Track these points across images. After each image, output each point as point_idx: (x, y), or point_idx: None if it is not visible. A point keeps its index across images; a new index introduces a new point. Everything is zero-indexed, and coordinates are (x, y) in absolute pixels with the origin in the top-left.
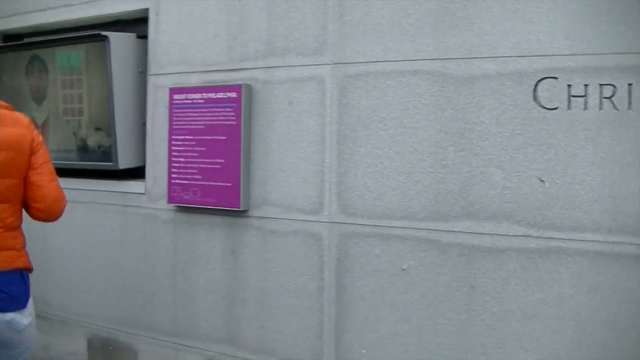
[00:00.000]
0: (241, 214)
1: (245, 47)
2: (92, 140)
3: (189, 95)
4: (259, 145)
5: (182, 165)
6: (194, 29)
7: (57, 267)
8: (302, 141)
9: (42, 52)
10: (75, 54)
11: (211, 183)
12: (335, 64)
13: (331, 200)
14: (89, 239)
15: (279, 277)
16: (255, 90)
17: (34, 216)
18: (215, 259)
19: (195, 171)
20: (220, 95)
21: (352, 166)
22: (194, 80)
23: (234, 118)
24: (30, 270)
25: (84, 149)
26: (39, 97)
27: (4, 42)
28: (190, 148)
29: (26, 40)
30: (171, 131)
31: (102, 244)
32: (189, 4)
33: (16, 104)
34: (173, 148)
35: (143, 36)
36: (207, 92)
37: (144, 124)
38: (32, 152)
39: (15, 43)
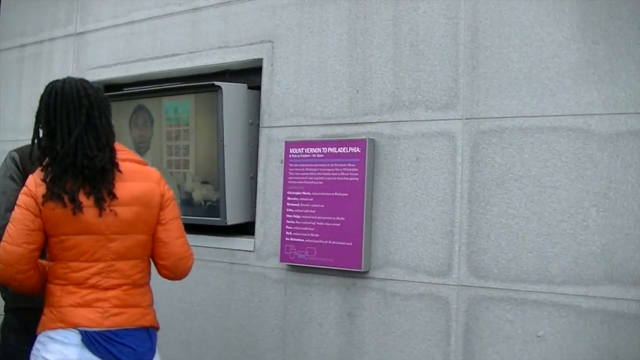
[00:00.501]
0: (360, 274)
1: (368, 99)
2: (198, 194)
3: (307, 149)
4: (383, 203)
5: (297, 222)
6: (312, 80)
7: None
8: (431, 199)
9: (148, 102)
10: (183, 104)
11: (330, 242)
12: (467, 119)
13: (460, 262)
14: (190, 296)
15: (400, 343)
16: (379, 145)
17: (160, 273)
18: (330, 322)
19: (312, 229)
20: (342, 149)
21: (485, 226)
22: (311, 134)
23: (356, 174)
24: (157, 328)
25: (188, 203)
26: (143, 149)
27: (105, 92)
28: (307, 205)
29: (135, 89)
30: (286, 186)
31: (205, 302)
32: (307, 54)
33: None
34: (288, 204)
35: (253, 87)
36: (327, 146)
37: (252, 177)
38: (162, 208)
39: (124, 92)
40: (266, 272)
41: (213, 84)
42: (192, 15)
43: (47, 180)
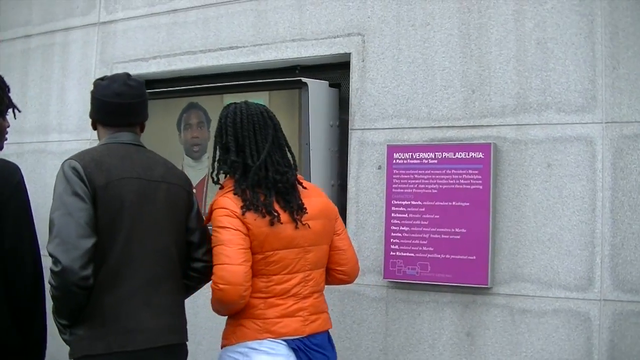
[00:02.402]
0: (482, 290)
1: (487, 101)
2: None
3: (416, 154)
4: (508, 213)
5: (405, 235)
6: (416, 78)
7: None
8: (566, 208)
9: (204, 100)
10: (257, 101)
11: (448, 256)
12: (607, 122)
13: (603, 276)
14: None
15: None
16: (501, 150)
17: (334, 279)
18: (444, 343)
19: (424, 242)
20: (461, 155)
21: (631, 237)
22: (416, 137)
23: (479, 181)
24: None
25: None
26: (197, 152)
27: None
28: (417, 215)
29: (191, 85)
30: (390, 195)
31: None
32: (408, 50)
33: None
34: (393, 215)
35: (333, 84)
36: (442, 150)
37: (333, 185)
38: (335, 219)
39: (182, 88)
40: (362, 289)
41: (300, 80)
42: (255, 4)
43: (240, 193)
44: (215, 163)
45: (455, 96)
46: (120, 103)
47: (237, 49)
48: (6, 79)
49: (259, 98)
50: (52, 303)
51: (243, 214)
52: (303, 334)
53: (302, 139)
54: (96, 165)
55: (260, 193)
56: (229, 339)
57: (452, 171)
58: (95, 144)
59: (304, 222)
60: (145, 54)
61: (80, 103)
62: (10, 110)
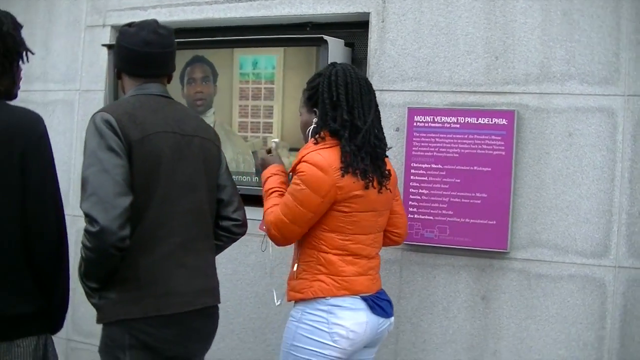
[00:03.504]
0: (498, 255)
1: (510, 68)
2: (285, 162)
3: (438, 117)
4: (528, 180)
5: (424, 198)
6: (438, 42)
7: None
8: (585, 177)
9: (211, 54)
10: (267, 59)
11: (467, 220)
12: (630, 95)
13: (619, 243)
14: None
15: (545, 326)
16: (523, 118)
17: (388, 240)
18: (458, 306)
19: (444, 205)
20: (484, 120)
21: None
22: (436, 101)
23: (502, 147)
24: None
25: None
26: (201, 107)
27: None
28: (438, 179)
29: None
30: (409, 158)
31: None
32: (431, 13)
33: None
34: (412, 178)
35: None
36: (464, 115)
37: None
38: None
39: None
40: None
41: (320, 37)
42: None
43: (344, 153)
44: (319, 119)
45: (477, 62)
46: (149, 52)
47: (247, 2)
48: None
49: (273, 54)
50: (78, 265)
51: (342, 175)
52: (372, 291)
53: None
54: (129, 118)
55: (362, 157)
56: (304, 293)
57: (475, 136)
58: (87, 95)
59: (387, 187)
60: (144, 2)
61: (68, 51)
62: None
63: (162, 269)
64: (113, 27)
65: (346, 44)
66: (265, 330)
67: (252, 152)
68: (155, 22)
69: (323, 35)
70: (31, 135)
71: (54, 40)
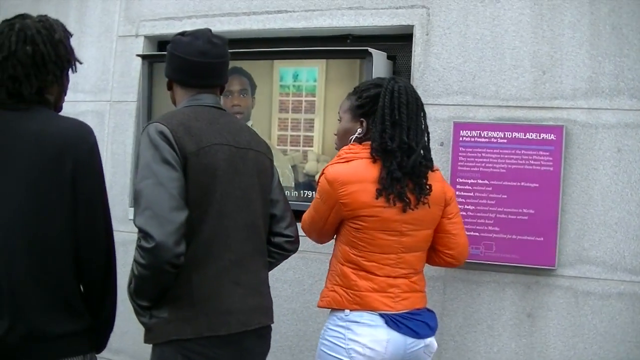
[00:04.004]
0: (545, 272)
1: (558, 83)
2: None
3: (485, 132)
4: (575, 196)
5: (470, 214)
6: (484, 56)
7: None
8: (634, 194)
9: (249, 65)
10: (309, 71)
11: (514, 236)
12: None
13: None
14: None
15: (593, 345)
16: (571, 133)
17: (441, 261)
18: (503, 324)
19: (490, 222)
20: (531, 135)
21: None
22: (482, 115)
23: (550, 163)
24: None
25: (309, 187)
26: None
27: (159, 50)
28: (484, 195)
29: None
30: (455, 173)
31: None
32: (476, 26)
33: None
34: (458, 193)
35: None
36: (512, 130)
37: None
38: (447, 204)
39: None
40: None
41: (366, 50)
42: None
43: (385, 176)
44: (376, 135)
45: (524, 76)
46: (204, 62)
47: (287, 13)
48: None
49: (314, 66)
50: (128, 282)
51: (377, 197)
52: (394, 310)
53: None
54: (185, 129)
55: (400, 179)
56: (323, 300)
57: (522, 152)
58: (119, 106)
59: (425, 203)
60: (179, 12)
61: (99, 62)
62: None
63: (217, 286)
64: (146, 37)
65: (388, 57)
66: (303, 348)
67: (291, 166)
68: (209, 31)
69: (368, 48)
70: (83, 147)
71: (84, 50)
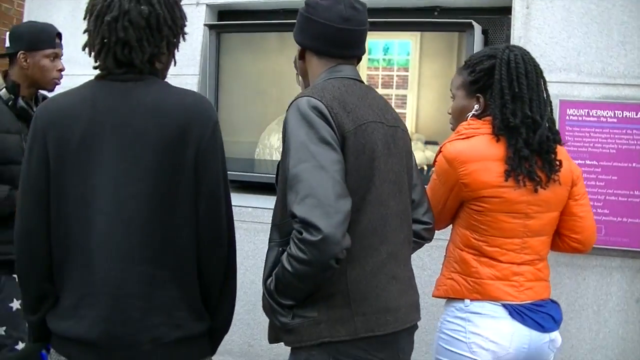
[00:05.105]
0: None
1: None
2: (420, 157)
3: (593, 111)
4: None
5: None
6: (589, 31)
7: None
8: None
9: None
10: (401, 44)
11: (623, 219)
12: None
13: None
14: None
15: None
16: None
17: (567, 247)
18: (610, 310)
19: (599, 204)
20: None
21: None
22: (587, 93)
23: None
24: None
25: None
26: None
27: (219, 20)
28: (592, 176)
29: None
30: None
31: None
32: (581, 1)
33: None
34: None
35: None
36: (622, 109)
37: None
38: (574, 184)
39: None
40: None
41: (470, 23)
42: None
43: (512, 156)
44: (495, 111)
45: (633, 53)
46: (348, 30)
47: None
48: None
49: (406, 39)
50: (264, 278)
51: (506, 179)
52: (517, 300)
53: None
54: (340, 104)
55: (529, 155)
56: (439, 289)
57: (634, 131)
58: (178, 79)
59: (557, 181)
60: None
61: None
62: None
63: (374, 282)
64: (208, 5)
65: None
66: (418, 343)
67: None
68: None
69: (472, 21)
70: (207, 125)
71: None
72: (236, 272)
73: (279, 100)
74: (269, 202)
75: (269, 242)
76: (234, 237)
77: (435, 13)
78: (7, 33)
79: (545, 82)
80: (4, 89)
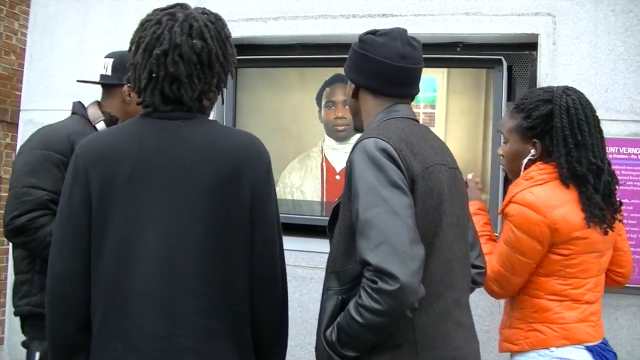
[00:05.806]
0: None
1: None
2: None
3: (623, 149)
4: None
5: None
6: (616, 68)
7: None
8: None
9: None
10: (427, 80)
11: None
12: None
13: None
14: None
15: None
16: None
17: (610, 281)
18: None
19: (631, 242)
20: None
21: None
22: (615, 130)
23: None
24: None
25: None
26: (342, 132)
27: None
28: (624, 214)
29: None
30: None
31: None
32: (608, 35)
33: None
34: None
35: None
36: None
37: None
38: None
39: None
40: None
41: (499, 59)
42: None
43: (586, 202)
44: (561, 160)
45: None
46: (406, 68)
47: (393, 17)
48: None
49: (432, 75)
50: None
51: (588, 225)
52: (595, 340)
53: (494, 125)
54: (407, 146)
55: (596, 202)
56: (520, 345)
57: None
58: None
59: (619, 220)
60: (263, 12)
61: None
62: None
63: (441, 330)
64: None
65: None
66: None
67: None
68: (405, 30)
69: (502, 57)
70: (261, 166)
71: None
72: (288, 322)
73: (298, 137)
74: (290, 243)
75: (326, 290)
76: (286, 284)
77: (458, 49)
78: (109, 60)
79: (599, 122)
80: (102, 122)
